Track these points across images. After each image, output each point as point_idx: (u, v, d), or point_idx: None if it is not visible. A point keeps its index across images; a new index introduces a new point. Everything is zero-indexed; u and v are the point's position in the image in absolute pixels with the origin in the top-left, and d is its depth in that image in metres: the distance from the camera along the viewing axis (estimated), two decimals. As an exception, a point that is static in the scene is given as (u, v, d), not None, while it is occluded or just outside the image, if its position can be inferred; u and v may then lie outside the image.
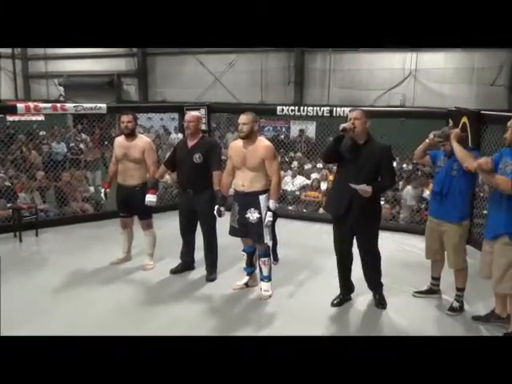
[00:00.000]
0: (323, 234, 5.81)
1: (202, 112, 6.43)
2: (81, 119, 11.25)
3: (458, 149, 3.55)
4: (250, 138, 3.80)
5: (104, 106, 6.16)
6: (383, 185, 3.61)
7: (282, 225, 4.30)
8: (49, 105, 5.94)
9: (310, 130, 12.66)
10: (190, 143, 4.26)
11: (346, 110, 5.84)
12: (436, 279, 4.05)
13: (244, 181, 3.85)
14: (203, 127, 5.92)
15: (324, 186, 7.67)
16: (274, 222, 3.84)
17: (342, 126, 3.48)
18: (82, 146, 9.96)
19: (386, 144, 3.63)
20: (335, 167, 3.96)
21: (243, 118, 3.79)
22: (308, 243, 5.51)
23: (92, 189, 7.73)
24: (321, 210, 7.33)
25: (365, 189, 3.44)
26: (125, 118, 4.45)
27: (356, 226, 3.61)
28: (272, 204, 3.80)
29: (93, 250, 5.15)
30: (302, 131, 12.40)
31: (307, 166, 9.12)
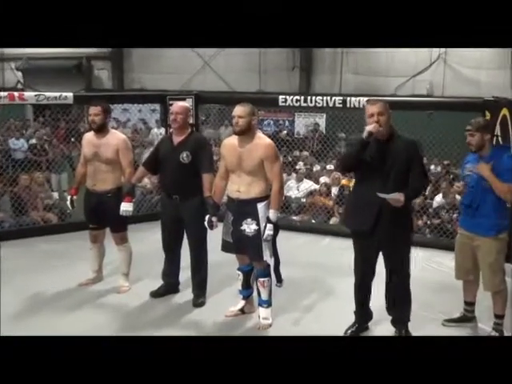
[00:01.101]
0: (335, 250, 5.84)
1: (189, 103, 6.45)
2: (42, 111, 11.30)
3: (494, 181, 3.59)
4: (246, 134, 3.82)
5: (70, 95, 6.19)
6: (416, 189, 3.58)
7: (284, 238, 4.32)
8: (4, 93, 5.95)
9: (319, 124, 12.72)
10: (176, 139, 4.28)
11: (362, 100, 5.87)
12: (470, 304, 4.06)
13: (239, 186, 3.87)
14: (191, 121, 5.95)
15: (335, 191, 7.70)
16: (275, 235, 3.85)
17: (368, 129, 3.43)
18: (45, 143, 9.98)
19: (412, 138, 3.62)
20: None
21: (239, 110, 3.81)
22: (316, 260, 5.53)
23: (56, 195, 7.75)
24: (332, 221, 7.36)
25: (396, 198, 3.39)
26: (92, 110, 4.47)
27: (385, 242, 3.58)
28: (273, 214, 3.81)
29: (56, 268, 5.15)
30: (316, 125, 12.39)
31: (315, 168, 9.15)
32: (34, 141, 10.00)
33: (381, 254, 3.69)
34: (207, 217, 4.01)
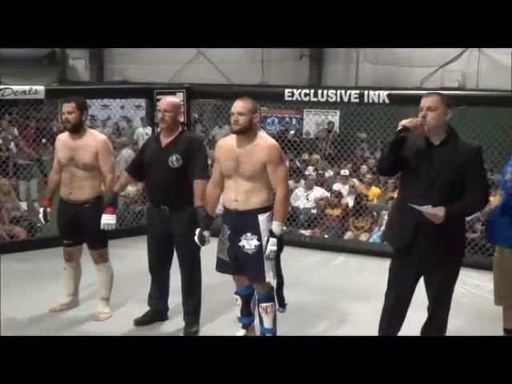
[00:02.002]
0: (350, 270, 5.85)
1: (179, 97, 6.49)
2: (9, 107, 11.31)
3: None
4: (247, 133, 3.83)
5: (42, 88, 6.21)
6: (468, 205, 3.43)
7: (291, 256, 4.33)
8: (-37, 87, 6.01)
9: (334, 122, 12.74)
10: (165, 140, 4.30)
11: (382, 94, 5.90)
12: (510, 332, 4.06)
13: (237, 194, 3.88)
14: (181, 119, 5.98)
15: (350, 201, 7.71)
16: (279, 252, 3.85)
17: (403, 123, 3.39)
18: (11, 145, 10.02)
19: (475, 144, 3.51)
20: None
21: (239, 106, 3.83)
22: (328, 282, 5.53)
23: (24, 205, 7.77)
24: (347, 235, 7.36)
25: (432, 212, 3.31)
26: (65, 107, 4.49)
27: (424, 265, 3.51)
28: (276, 227, 3.82)
29: (25, 291, 5.15)
30: (330, 124, 12.42)
31: (328, 174, 9.17)
32: (-1, 141, 10.05)
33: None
34: (198, 231, 4.02)
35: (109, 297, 4.73)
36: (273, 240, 3.79)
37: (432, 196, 3.36)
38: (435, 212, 3.31)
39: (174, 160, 4.23)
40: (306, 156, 10.04)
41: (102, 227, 4.37)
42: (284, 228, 3.94)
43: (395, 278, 3.63)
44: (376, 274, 5.46)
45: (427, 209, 3.32)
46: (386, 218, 7.13)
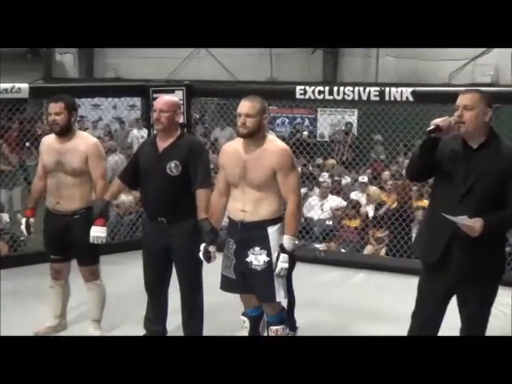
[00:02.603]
0: (370, 288, 5.83)
1: (178, 96, 6.52)
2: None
3: None
4: (255, 136, 3.84)
5: (25, 86, 6.25)
6: (507, 217, 3.39)
7: (304, 273, 4.33)
8: None
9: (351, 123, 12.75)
10: (162, 145, 4.31)
11: (406, 91, 5.90)
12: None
13: (244, 204, 3.89)
14: (181, 120, 6.01)
15: (371, 211, 7.70)
16: (290, 269, 3.86)
17: (435, 122, 3.36)
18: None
19: None
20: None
21: (246, 107, 3.84)
22: (346, 303, 5.53)
23: (6, 217, 7.80)
24: (367, 250, 7.34)
25: (468, 223, 3.27)
26: (52, 108, 4.51)
27: (458, 281, 3.48)
28: (288, 241, 3.82)
29: (7, 312, 5.15)
30: (348, 125, 12.42)
31: (345, 181, 9.17)
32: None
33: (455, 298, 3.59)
34: (203, 246, 4.02)
35: (100, 318, 4.73)
36: (284, 256, 3.79)
37: (468, 205, 3.33)
38: (471, 223, 3.28)
39: (173, 167, 4.23)
40: (320, 161, 10.05)
41: (91, 240, 4.39)
42: (296, 242, 3.94)
43: (424, 296, 3.61)
44: (399, 293, 5.47)
45: (462, 220, 3.29)
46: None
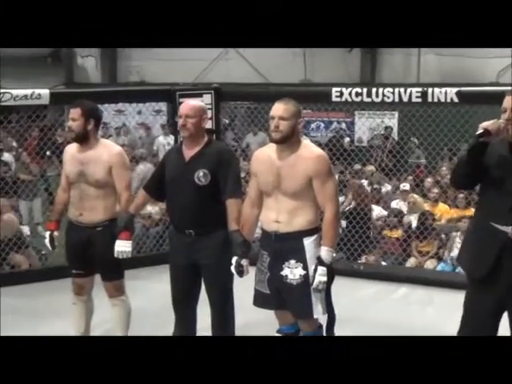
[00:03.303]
0: (413, 304, 5.79)
1: (207, 100, 6.55)
2: (8, 115, 11.53)
3: None
4: (288, 142, 3.85)
5: (46, 92, 6.31)
6: None
7: (342, 288, 4.30)
8: (-43, 92, 6.13)
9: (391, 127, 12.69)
10: (189, 152, 4.32)
11: (450, 91, 5.86)
12: None
13: (279, 214, 3.89)
14: (208, 125, 6.03)
15: (414, 221, 7.65)
16: (329, 283, 3.85)
17: (484, 125, 3.34)
18: (7, 155, 10.15)
19: None
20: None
21: (280, 109, 3.84)
22: (387, 319, 5.49)
23: (26, 229, 7.87)
24: (410, 263, 7.29)
25: None
26: (70, 114, 4.55)
27: (510, 295, 3.45)
28: (326, 252, 3.81)
29: (27, 330, 5.20)
30: (388, 130, 12.37)
31: (385, 189, 9.12)
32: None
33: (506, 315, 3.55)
34: (235, 259, 4.02)
35: (126, 335, 4.74)
36: (322, 269, 3.78)
37: None
38: None
39: (201, 176, 4.23)
40: (358, 167, 10.02)
41: (115, 255, 4.41)
42: (334, 254, 3.92)
43: (471, 312, 3.57)
44: (444, 308, 5.44)
45: None
46: (457, 240, 7.06)
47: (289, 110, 3.83)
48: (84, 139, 4.53)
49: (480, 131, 3.33)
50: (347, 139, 12.63)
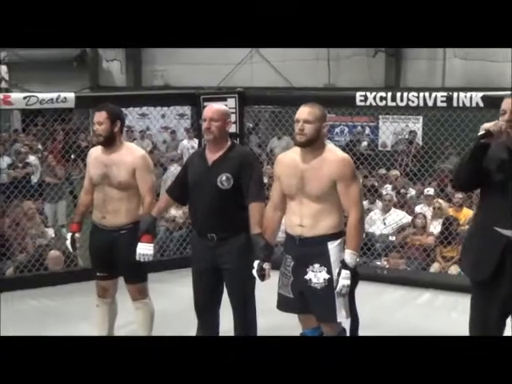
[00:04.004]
0: (437, 309, 5.77)
1: (231, 104, 6.56)
2: (34, 118, 11.64)
3: None
4: (313, 145, 3.85)
5: (71, 95, 6.36)
6: None
7: (366, 292, 4.29)
8: (-16, 96, 6.20)
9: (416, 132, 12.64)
10: (212, 156, 4.33)
11: (475, 96, 5.82)
12: None
13: (303, 218, 3.89)
14: (232, 129, 6.04)
15: (438, 226, 7.61)
16: (353, 286, 3.84)
17: (486, 126, 3.34)
18: (31, 158, 10.22)
19: None
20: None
21: (305, 113, 3.85)
22: (410, 324, 5.45)
23: (51, 231, 7.91)
24: (433, 268, 7.25)
25: None
26: (95, 117, 4.58)
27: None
28: (350, 256, 3.81)
29: (50, 332, 5.23)
30: (412, 134, 12.32)
31: (410, 193, 9.08)
32: (13, 157, 10.31)
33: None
34: (257, 263, 4.02)
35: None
36: (346, 272, 3.77)
37: None
38: None
39: (224, 180, 4.24)
40: (382, 171, 9.98)
41: (137, 258, 4.43)
42: (358, 259, 3.92)
43: (474, 317, 3.61)
44: (468, 314, 5.38)
45: None
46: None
47: (314, 114, 3.83)
48: (111, 142, 4.57)
49: (482, 132, 3.33)
50: (364, 143, 12.58)
